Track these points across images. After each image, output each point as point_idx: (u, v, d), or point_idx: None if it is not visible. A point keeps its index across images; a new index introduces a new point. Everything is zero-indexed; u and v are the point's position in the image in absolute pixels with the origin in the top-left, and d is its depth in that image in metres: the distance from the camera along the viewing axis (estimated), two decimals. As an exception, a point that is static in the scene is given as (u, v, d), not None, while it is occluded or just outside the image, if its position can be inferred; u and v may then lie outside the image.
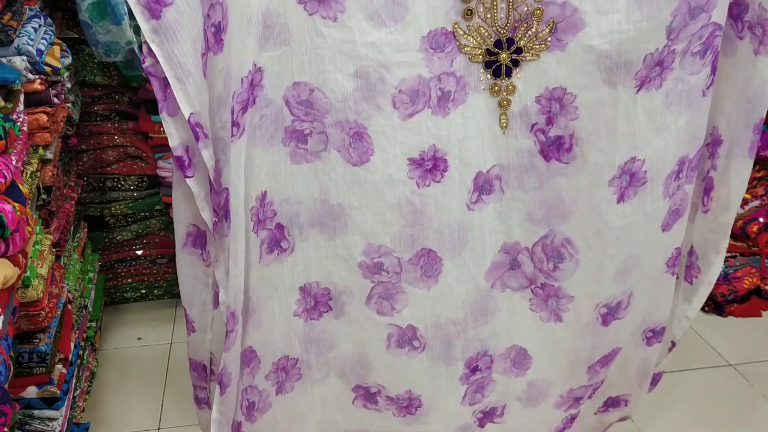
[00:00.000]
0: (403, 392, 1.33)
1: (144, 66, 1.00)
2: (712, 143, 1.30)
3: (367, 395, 1.35)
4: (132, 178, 2.19)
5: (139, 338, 2.18)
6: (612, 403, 1.53)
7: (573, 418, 1.49)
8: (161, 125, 1.17)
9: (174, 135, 1.04)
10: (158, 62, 0.99)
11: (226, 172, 1.09)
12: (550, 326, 1.32)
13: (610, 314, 1.32)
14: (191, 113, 1.02)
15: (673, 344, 1.49)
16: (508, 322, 1.32)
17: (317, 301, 1.28)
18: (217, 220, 1.12)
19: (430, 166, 1.16)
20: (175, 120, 1.03)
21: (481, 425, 1.42)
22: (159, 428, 1.84)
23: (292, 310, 1.27)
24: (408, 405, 1.35)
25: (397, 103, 1.12)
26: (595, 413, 1.55)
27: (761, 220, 2.22)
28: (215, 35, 1.01)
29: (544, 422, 1.46)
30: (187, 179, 1.08)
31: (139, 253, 2.29)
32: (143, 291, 2.35)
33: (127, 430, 1.83)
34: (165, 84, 1.01)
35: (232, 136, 1.07)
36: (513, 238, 1.25)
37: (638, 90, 1.12)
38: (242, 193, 1.12)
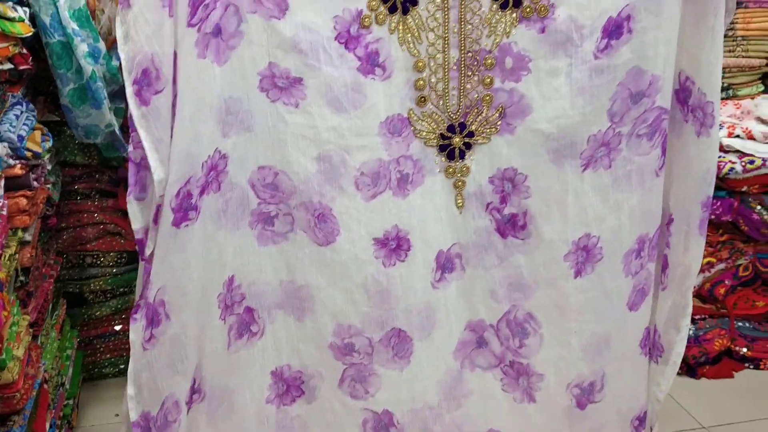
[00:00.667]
0: None
1: (128, 151, 1.04)
2: (665, 222, 1.33)
3: None
4: (111, 254, 2.22)
5: (117, 414, 2.15)
6: None
7: None
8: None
9: (138, 218, 1.08)
10: (137, 148, 1.03)
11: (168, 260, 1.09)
12: (524, 407, 1.31)
13: (584, 396, 1.31)
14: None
15: (651, 429, 1.46)
16: (483, 404, 1.31)
17: (289, 386, 1.26)
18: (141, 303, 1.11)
19: (394, 245, 1.19)
20: (141, 205, 1.07)
21: None
22: (135, 507, 1.82)
23: (264, 396, 1.26)
24: None
25: (360, 184, 1.15)
26: None
27: (727, 282, 2.27)
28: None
29: None
30: (142, 261, 1.10)
31: (118, 328, 2.30)
32: (122, 366, 2.34)
33: None
34: (138, 170, 1.06)
35: (189, 220, 1.09)
36: (477, 316, 1.27)
37: (584, 169, 1.19)
38: (195, 278, 1.12)
